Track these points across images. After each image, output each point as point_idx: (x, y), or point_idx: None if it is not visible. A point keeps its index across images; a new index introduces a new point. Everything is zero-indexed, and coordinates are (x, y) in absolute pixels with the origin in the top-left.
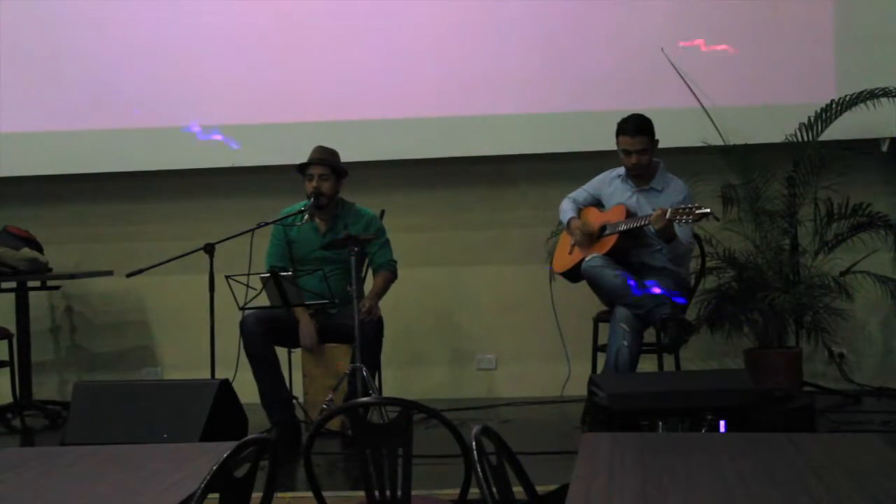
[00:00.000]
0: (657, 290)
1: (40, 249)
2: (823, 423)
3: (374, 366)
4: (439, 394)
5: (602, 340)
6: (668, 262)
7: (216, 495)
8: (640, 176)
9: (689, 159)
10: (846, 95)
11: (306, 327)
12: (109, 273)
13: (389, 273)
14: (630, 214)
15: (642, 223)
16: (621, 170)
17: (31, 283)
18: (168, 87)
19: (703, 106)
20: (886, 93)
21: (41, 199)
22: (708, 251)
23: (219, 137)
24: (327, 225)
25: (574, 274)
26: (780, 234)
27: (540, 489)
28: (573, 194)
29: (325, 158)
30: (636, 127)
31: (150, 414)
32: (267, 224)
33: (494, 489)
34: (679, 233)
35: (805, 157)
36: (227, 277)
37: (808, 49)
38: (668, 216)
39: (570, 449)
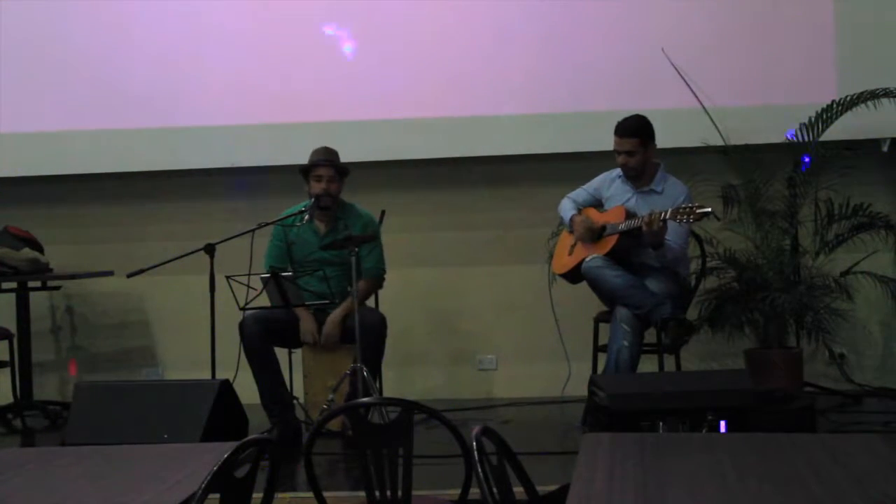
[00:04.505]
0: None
1: (41, 250)
2: (824, 423)
3: (377, 366)
4: (440, 394)
5: (602, 341)
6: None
7: (217, 495)
8: (640, 177)
9: (689, 159)
10: (847, 96)
11: (307, 323)
12: (110, 273)
13: (373, 281)
14: (629, 215)
15: (639, 224)
16: (620, 170)
17: (31, 284)
18: (168, 87)
19: (703, 106)
20: (887, 93)
21: (41, 199)
22: (708, 251)
23: None
24: (327, 226)
25: (574, 275)
26: (780, 234)
27: (540, 489)
28: (573, 194)
29: (332, 160)
30: (625, 128)
31: (151, 414)
32: (267, 224)
33: (495, 489)
34: (672, 238)
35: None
36: (227, 278)
37: (809, 49)
38: (661, 218)
39: (570, 449)
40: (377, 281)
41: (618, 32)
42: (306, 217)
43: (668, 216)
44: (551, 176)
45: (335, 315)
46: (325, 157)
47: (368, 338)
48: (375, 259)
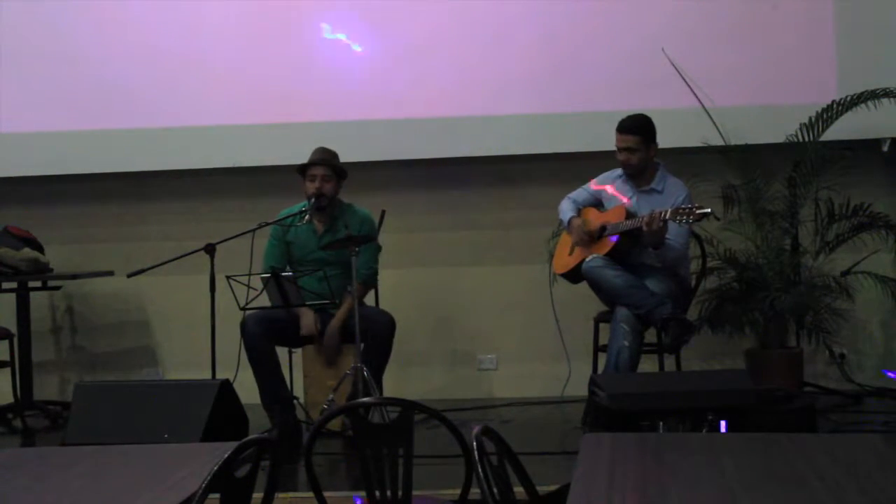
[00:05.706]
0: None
1: (41, 250)
2: (824, 423)
3: (381, 367)
4: (440, 394)
5: (603, 341)
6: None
7: (217, 495)
8: (640, 177)
9: (690, 159)
10: (847, 96)
11: (307, 317)
12: (110, 273)
13: (364, 282)
14: (630, 215)
15: (639, 224)
16: (621, 170)
17: (31, 284)
18: (168, 87)
19: (703, 106)
20: (887, 93)
21: (41, 199)
22: (709, 251)
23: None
24: (325, 226)
25: (574, 275)
26: (780, 234)
27: (540, 489)
28: (573, 194)
29: (327, 159)
30: (627, 125)
31: (151, 414)
32: (267, 224)
33: (495, 489)
34: (673, 237)
35: (806, 157)
36: (227, 277)
37: (809, 49)
38: (661, 218)
39: (570, 449)
40: (369, 282)
41: (618, 32)
42: (307, 217)
43: (668, 216)
44: (551, 176)
45: (334, 323)
46: (320, 157)
47: (376, 338)
48: (365, 259)
